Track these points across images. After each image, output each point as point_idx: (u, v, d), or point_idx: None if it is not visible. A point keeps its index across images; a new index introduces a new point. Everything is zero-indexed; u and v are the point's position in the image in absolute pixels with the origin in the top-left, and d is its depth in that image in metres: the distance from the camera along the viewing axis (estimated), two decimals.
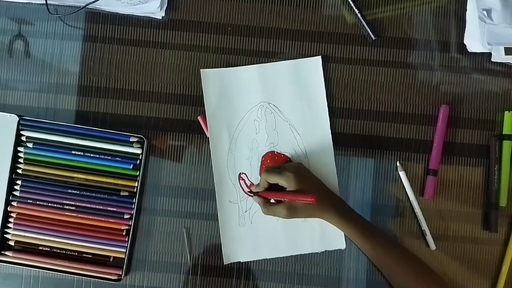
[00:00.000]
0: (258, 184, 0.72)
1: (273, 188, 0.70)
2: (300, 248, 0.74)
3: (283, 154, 0.75)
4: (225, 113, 0.75)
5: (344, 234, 0.73)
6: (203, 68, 0.76)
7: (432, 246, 0.73)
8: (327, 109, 0.75)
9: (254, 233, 0.74)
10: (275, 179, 0.69)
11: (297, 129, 0.75)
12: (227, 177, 0.75)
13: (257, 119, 0.75)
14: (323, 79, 0.75)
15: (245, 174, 0.75)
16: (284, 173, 0.68)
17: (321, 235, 0.74)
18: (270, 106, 0.75)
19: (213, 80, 0.76)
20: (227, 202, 0.75)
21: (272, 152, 0.75)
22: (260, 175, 0.74)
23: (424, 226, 0.73)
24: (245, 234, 0.74)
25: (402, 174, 0.74)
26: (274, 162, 0.75)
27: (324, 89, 0.75)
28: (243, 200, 0.75)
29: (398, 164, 0.74)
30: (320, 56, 0.76)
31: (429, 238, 0.73)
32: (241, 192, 0.75)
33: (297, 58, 0.76)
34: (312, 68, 0.76)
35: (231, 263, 0.74)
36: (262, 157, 0.75)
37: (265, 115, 0.75)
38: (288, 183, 0.68)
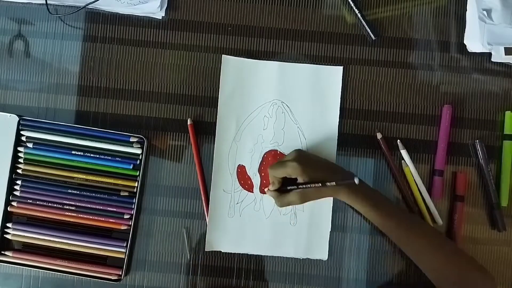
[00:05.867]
0: (272, 182, 0.71)
1: (285, 182, 0.70)
2: (283, 250, 0.74)
3: (285, 155, 0.75)
4: (237, 103, 0.75)
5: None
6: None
7: (439, 221, 0.73)
8: (338, 120, 0.75)
9: (241, 226, 0.74)
10: (281, 173, 0.68)
11: (304, 133, 0.75)
12: (226, 166, 0.75)
13: (267, 116, 0.75)
14: (341, 90, 0.75)
15: (244, 167, 0.75)
16: (287, 164, 0.67)
17: (306, 242, 0.74)
18: (283, 106, 0.75)
19: (232, 67, 0.75)
20: (221, 191, 0.74)
21: (275, 151, 0.75)
22: (258, 172, 0.75)
23: (430, 203, 0.73)
24: (232, 225, 0.74)
25: (403, 152, 0.74)
26: (276, 161, 0.75)
27: (339, 99, 0.75)
28: (237, 191, 0.75)
29: (398, 142, 0.74)
30: (342, 67, 0.75)
31: (435, 213, 0.73)
32: (236, 183, 0.75)
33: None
34: (332, 76, 0.75)
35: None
36: (264, 154, 0.75)
37: (276, 113, 0.75)
38: (295, 173, 0.67)
